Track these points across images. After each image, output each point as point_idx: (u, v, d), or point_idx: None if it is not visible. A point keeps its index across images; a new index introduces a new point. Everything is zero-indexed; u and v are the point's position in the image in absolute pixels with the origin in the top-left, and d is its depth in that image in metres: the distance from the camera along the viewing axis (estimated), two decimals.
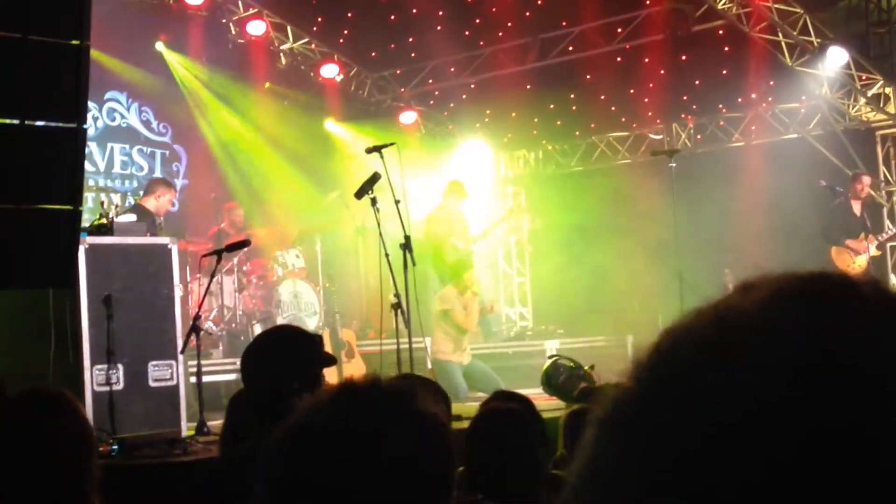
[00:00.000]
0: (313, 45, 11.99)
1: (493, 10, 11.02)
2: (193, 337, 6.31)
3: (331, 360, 3.52)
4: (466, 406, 6.64)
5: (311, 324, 9.79)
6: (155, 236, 7.20)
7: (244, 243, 7.56)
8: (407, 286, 7.13)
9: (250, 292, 10.04)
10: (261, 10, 11.30)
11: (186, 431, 6.21)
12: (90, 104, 9.18)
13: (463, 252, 10.29)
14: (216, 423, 5.93)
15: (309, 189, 11.99)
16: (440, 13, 11.22)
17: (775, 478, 0.55)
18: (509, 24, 11.48)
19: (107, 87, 10.87)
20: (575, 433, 3.67)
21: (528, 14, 11.20)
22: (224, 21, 11.36)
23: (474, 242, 10.95)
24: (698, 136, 12.88)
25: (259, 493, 1.35)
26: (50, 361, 5.64)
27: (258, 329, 9.54)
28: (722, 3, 10.09)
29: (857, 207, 10.66)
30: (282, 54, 11.90)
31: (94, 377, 5.91)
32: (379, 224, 7.22)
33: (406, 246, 7.19)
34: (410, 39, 11.88)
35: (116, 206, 7.06)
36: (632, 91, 12.21)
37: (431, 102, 13.36)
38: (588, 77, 12.07)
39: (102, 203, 8.50)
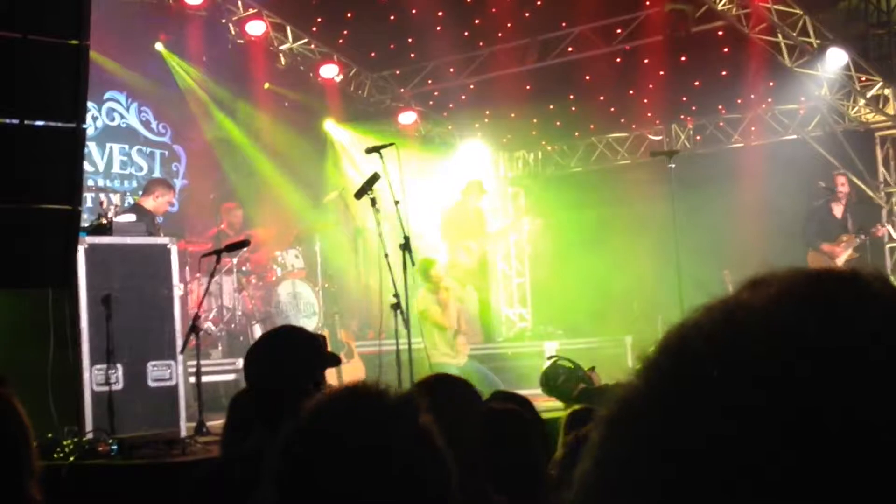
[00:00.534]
0: (313, 46, 11.98)
1: (493, 10, 11.01)
2: (193, 337, 6.31)
3: (334, 361, 3.51)
4: None
5: (310, 324, 9.77)
6: (154, 236, 7.19)
7: (244, 243, 7.56)
8: (406, 286, 7.13)
9: (250, 292, 10.04)
10: (260, 11, 11.28)
11: (186, 431, 6.21)
12: (89, 104, 9.18)
13: (475, 253, 10.28)
14: (215, 423, 5.93)
15: (308, 189, 11.98)
16: (440, 14, 11.21)
17: (786, 473, 0.55)
18: (509, 25, 11.47)
19: (106, 87, 10.86)
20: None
21: (527, 15, 11.19)
22: (223, 21, 11.35)
23: (489, 242, 10.94)
24: (698, 137, 12.88)
25: (266, 493, 1.40)
26: (49, 361, 5.63)
27: (257, 329, 9.53)
28: (721, 4, 10.08)
29: (837, 209, 10.62)
30: (281, 54, 11.90)
31: (93, 377, 5.91)
32: (378, 224, 7.22)
33: (405, 246, 7.18)
34: (410, 40, 11.87)
35: (115, 207, 7.06)
36: (631, 92, 12.20)
37: (431, 103, 13.36)
38: (587, 78, 12.06)
39: (101, 203, 8.51)
